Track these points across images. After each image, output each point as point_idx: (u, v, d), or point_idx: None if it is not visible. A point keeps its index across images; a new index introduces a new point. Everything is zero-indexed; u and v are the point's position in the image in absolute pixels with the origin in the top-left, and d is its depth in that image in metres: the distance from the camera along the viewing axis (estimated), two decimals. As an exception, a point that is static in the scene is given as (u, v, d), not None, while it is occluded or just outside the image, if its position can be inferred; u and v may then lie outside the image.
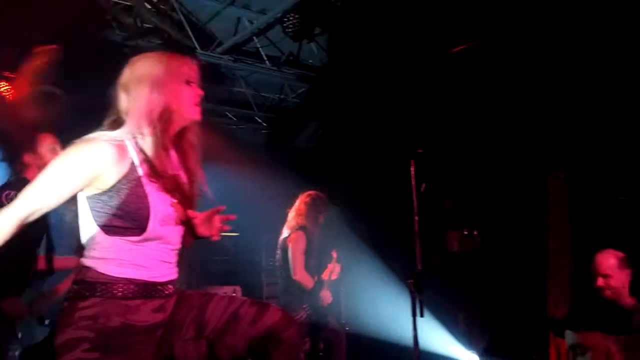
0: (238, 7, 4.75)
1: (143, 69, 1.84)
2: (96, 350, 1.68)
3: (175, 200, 1.85)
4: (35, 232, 2.93)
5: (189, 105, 1.89)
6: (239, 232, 6.78)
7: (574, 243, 4.84)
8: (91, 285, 1.74)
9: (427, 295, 2.92)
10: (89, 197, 1.77)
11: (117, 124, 1.86)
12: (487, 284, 5.20)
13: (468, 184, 6.34)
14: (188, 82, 1.89)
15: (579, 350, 2.95)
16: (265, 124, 6.91)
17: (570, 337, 2.96)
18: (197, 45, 4.97)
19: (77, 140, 1.77)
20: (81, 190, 1.76)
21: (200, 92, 1.91)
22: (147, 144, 1.82)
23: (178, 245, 1.92)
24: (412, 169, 2.86)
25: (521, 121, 4.88)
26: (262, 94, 6.48)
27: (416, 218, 2.82)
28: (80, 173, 1.72)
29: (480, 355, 4.68)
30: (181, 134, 1.93)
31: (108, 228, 1.76)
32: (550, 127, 4.91)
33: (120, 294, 1.75)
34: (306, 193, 4.38)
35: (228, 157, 5.87)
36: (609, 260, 3.14)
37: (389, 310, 4.77)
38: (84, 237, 1.82)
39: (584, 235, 4.78)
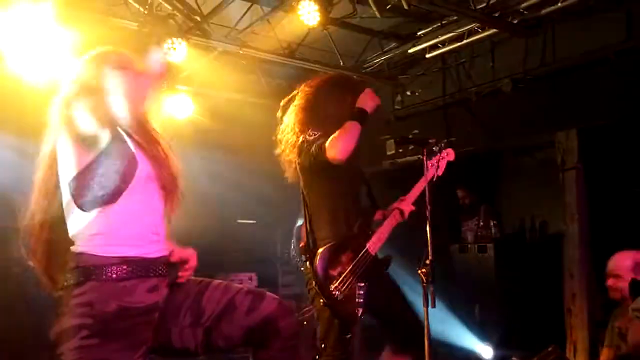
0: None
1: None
2: (95, 336, 1.68)
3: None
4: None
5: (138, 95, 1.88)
6: (256, 220, 6.81)
7: (593, 236, 4.76)
8: (85, 270, 1.73)
9: (440, 285, 2.90)
10: (75, 176, 1.74)
11: None
12: (503, 274, 5.15)
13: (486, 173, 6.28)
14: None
15: None
16: (280, 112, 6.89)
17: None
18: (212, 31, 4.97)
19: None
20: None
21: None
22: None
23: (161, 215, 1.89)
24: (424, 158, 2.83)
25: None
26: (278, 81, 6.47)
27: (429, 207, 2.78)
28: None
29: (494, 346, 4.64)
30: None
31: (90, 201, 1.72)
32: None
33: (114, 275, 1.73)
34: None
35: (245, 147, 5.89)
36: (624, 262, 3.05)
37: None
38: (71, 225, 1.80)
39: (603, 227, 4.71)
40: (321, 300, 2.65)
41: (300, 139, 2.80)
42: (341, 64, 5.85)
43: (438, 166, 3.08)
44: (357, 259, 2.75)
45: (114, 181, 1.71)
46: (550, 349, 3.61)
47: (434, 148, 3.05)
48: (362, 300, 2.69)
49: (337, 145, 2.62)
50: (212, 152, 5.51)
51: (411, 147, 5.92)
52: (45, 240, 1.85)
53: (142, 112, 1.89)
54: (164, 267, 1.87)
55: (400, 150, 6.08)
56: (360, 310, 2.69)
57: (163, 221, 1.91)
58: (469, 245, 5.47)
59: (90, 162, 1.69)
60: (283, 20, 5.10)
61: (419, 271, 2.70)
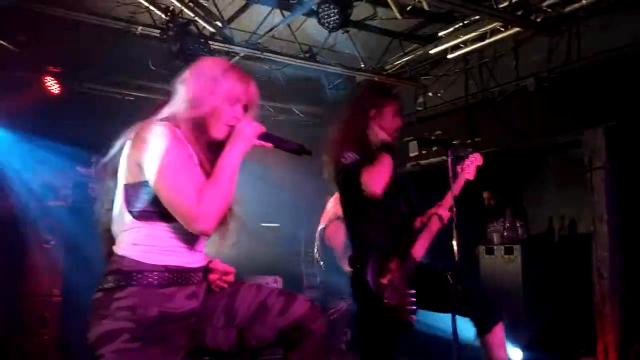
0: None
1: (203, 74, 1.91)
2: (136, 340, 1.70)
3: None
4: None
5: (222, 124, 1.90)
6: (280, 223, 6.83)
7: (623, 236, 4.66)
8: (127, 274, 1.75)
9: (467, 288, 2.87)
10: (130, 184, 1.80)
11: (162, 108, 1.93)
12: (531, 276, 5.07)
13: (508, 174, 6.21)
14: (234, 103, 1.92)
15: None
16: (302, 115, 6.92)
17: None
18: (233, 37, 5.00)
19: (145, 126, 1.82)
20: None
21: (239, 116, 1.93)
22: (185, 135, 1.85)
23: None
24: (448, 159, 2.81)
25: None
26: (299, 86, 6.49)
27: (454, 209, 2.77)
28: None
29: (524, 349, 4.56)
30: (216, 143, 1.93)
31: (145, 214, 1.78)
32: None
33: (156, 282, 1.76)
34: None
35: (268, 150, 5.90)
36: None
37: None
38: (118, 225, 1.84)
39: (633, 226, 4.61)
40: (374, 309, 2.66)
41: (339, 160, 2.84)
42: (362, 66, 5.84)
43: (468, 171, 3.12)
44: (405, 266, 2.75)
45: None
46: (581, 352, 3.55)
47: (461, 153, 3.06)
48: (414, 307, 2.69)
49: (378, 184, 2.71)
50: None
51: (434, 148, 5.93)
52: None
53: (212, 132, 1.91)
54: (201, 275, 1.92)
55: (424, 152, 6.05)
56: (413, 317, 2.70)
57: (205, 240, 1.94)
58: (496, 247, 5.40)
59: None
60: (303, 24, 5.12)
61: (447, 274, 2.69)
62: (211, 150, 1.88)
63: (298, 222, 6.58)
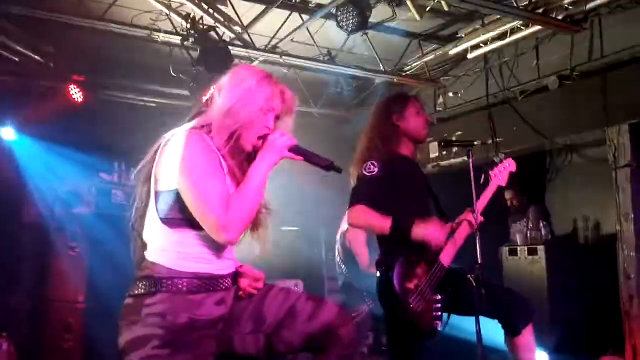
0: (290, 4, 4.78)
1: (239, 83, 1.91)
2: (166, 347, 1.71)
3: None
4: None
5: (253, 134, 1.91)
6: (300, 227, 6.84)
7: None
8: (158, 280, 1.77)
9: (495, 288, 2.85)
10: (161, 192, 1.82)
11: (199, 116, 1.94)
12: (556, 277, 4.99)
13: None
14: (268, 112, 1.93)
15: None
16: (322, 118, 6.93)
17: None
18: (253, 42, 5.04)
19: (177, 134, 1.84)
20: None
21: (271, 127, 1.94)
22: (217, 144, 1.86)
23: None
24: (470, 160, 2.79)
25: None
26: (319, 89, 6.50)
27: (476, 209, 2.75)
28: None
29: (550, 352, 4.50)
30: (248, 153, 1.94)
31: (175, 222, 1.80)
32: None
33: (185, 288, 1.77)
34: None
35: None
36: None
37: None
38: (149, 232, 1.86)
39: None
40: (399, 314, 2.66)
41: (362, 172, 2.86)
42: (381, 68, 5.83)
43: (501, 177, 3.11)
44: (432, 271, 2.74)
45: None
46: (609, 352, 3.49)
47: (494, 159, 3.07)
48: (439, 313, 2.68)
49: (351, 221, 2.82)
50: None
51: (455, 149, 5.89)
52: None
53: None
54: (230, 281, 1.92)
55: (444, 153, 6.01)
56: (439, 323, 2.68)
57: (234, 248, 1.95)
58: (519, 248, 5.33)
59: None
60: (322, 28, 5.13)
61: (469, 276, 2.67)
62: (243, 160, 1.89)
63: (318, 225, 6.59)
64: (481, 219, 2.92)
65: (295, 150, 1.93)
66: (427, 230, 2.67)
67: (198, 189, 1.74)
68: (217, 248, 1.86)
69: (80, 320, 4.84)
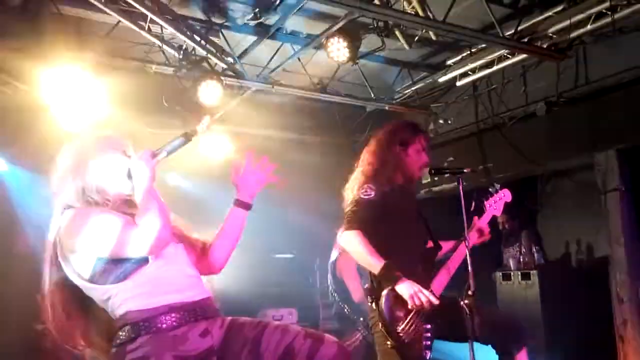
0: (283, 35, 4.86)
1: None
2: None
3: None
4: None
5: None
6: (294, 254, 6.82)
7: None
8: (134, 326, 1.75)
9: (488, 312, 2.85)
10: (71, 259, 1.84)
11: None
12: (549, 302, 5.00)
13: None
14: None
15: None
16: (314, 145, 6.97)
17: None
18: (245, 72, 5.10)
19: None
20: None
21: None
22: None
23: (187, 261, 1.96)
24: (460, 187, 2.81)
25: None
26: (311, 117, 6.57)
27: (467, 236, 2.76)
28: None
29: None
30: None
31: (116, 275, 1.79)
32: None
33: (164, 325, 1.75)
34: None
35: (279, 180, 5.94)
36: None
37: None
38: (98, 299, 1.85)
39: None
40: (388, 343, 2.63)
41: (359, 194, 2.82)
42: (372, 95, 5.91)
43: (496, 207, 3.12)
44: None
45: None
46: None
47: (490, 189, 3.07)
48: (429, 342, 2.65)
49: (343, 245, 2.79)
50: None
51: (446, 175, 5.91)
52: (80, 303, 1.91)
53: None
54: (211, 310, 1.89)
55: (436, 179, 6.05)
56: (428, 353, 2.65)
57: (190, 265, 1.95)
58: (512, 273, 5.34)
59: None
60: (313, 58, 5.21)
61: (462, 303, 2.66)
62: None
63: (312, 252, 6.57)
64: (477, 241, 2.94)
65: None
66: (409, 290, 2.60)
67: None
68: (181, 274, 1.87)
69: (72, 353, 4.77)
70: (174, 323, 1.77)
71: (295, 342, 1.88)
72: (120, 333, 1.78)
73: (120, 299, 1.79)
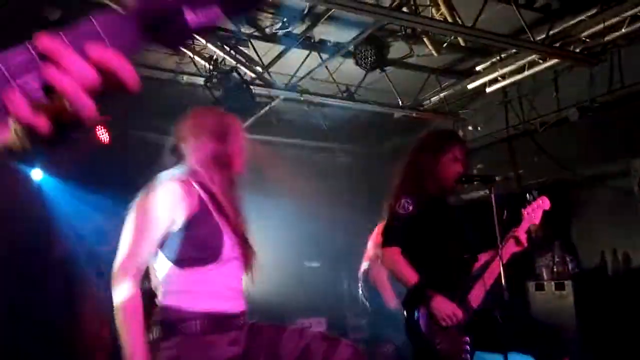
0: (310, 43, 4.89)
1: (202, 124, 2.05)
2: None
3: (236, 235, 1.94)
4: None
5: (239, 157, 2.05)
6: (320, 263, 6.82)
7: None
8: (171, 324, 1.81)
9: (515, 327, 2.80)
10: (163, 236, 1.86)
11: (179, 164, 2.03)
12: (586, 312, 4.88)
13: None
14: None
15: None
16: (343, 154, 6.98)
17: None
18: (273, 81, 5.14)
19: (150, 184, 1.91)
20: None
21: (243, 150, 2.06)
22: (207, 182, 1.94)
23: (242, 275, 1.99)
24: (492, 196, 2.77)
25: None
26: (339, 125, 6.57)
27: (500, 246, 2.72)
28: (167, 214, 1.84)
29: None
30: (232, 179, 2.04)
31: (183, 262, 1.84)
32: None
33: (199, 329, 1.80)
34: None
35: (307, 188, 5.98)
36: None
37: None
38: (158, 276, 1.90)
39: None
40: (427, 354, 2.62)
41: (395, 209, 2.81)
42: (400, 103, 5.88)
43: (534, 215, 3.04)
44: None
45: (210, 248, 1.86)
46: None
47: (527, 197, 3.01)
48: (467, 355, 2.63)
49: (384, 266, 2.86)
50: (276, 197, 5.62)
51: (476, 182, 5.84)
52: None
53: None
54: (242, 321, 1.95)
55: (466, 186, 5.97)
56: None
57: (241, 281, 1.99)
58: (546, 283, 5.23)
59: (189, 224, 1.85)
60: (341, 65, 5.22)
61: (496, 313, 2.63)
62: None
63: (340, 261, 6.56)
64: (520, 248, 2.91)
65: None
66: (441, 311, 2.60)
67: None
68: (232, 285, 1.90)
69: (106, 355, 4.88)
70: (208, 329, 1.82)
71: (311, 344, 1.94)
72: (155, 329, 1.83)
73: (170, 287, 1.85)
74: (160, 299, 1.88)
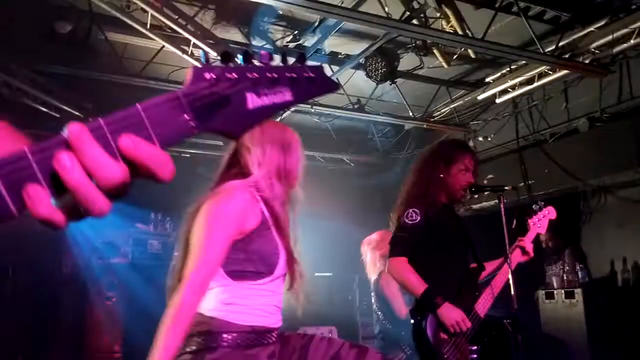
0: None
1: (268, 134, 2.02)
2: None
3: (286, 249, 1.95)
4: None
5: (297, 172, 2.04)
6: (332, 272, 6.84)
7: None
8: (217, 335, 1.79)
9: (526, 336, 2.81)
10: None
11: (241, 175, 1.99)
12: (596, 321, 4.86)
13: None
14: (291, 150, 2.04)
15: None
16: (353, 165, 7.02)
17: None
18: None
19: (218, 191, 1.91)
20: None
21: (301, 165, 2.06)
22: (269, 195, 1.93)
23: (281, 292, 1.98)
24: (501, 205, 2.80)
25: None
26: (349, 136, 6.63)
27: (509, 255, 2.75)
28: (237, 224, 1.83)
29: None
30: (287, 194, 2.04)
31: (238, 274, 1.84)
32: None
33: (243, 343, 1.80)
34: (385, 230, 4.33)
35: (319, 198, 6.02)
36: None
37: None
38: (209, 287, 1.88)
39: None
40: None
41: (403, 219, 2.81)
42: (410, 114, 5.93)
43: (540, 225, 3.07)
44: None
45: (267, 263, 1.86)
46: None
47: (533, 207, 3.03)
48: None
49: (390, 272, 2.81)
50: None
51: (487, 192, 5.86)
52: None
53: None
54: (278, 334, 1.96)
55: (476, 196, 5.99)
56: None
57: (282, 297, 1.99)
58: (556, 291, 5.22)
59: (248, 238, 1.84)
60: (352, 77, 5.28)
61: (504, 321, 2.65)
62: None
63: (352, 270, 6.58)
64: (525, 257, 2.92)
65: None
66: (449, 318, 2.62)
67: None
68: (276, 300, 1.91)
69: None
70: (251, 343, 1.83)
71: (341, 352, 1.95)
72: (198, 339, 1.79)
73: (218, 297, 1.84)
74: (206, 309, 1.85)
